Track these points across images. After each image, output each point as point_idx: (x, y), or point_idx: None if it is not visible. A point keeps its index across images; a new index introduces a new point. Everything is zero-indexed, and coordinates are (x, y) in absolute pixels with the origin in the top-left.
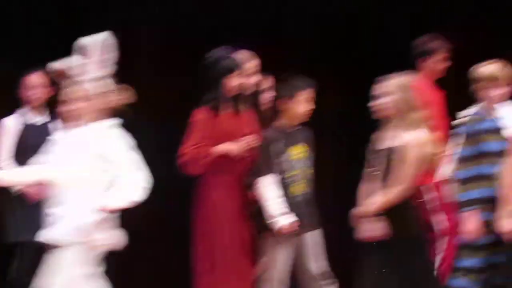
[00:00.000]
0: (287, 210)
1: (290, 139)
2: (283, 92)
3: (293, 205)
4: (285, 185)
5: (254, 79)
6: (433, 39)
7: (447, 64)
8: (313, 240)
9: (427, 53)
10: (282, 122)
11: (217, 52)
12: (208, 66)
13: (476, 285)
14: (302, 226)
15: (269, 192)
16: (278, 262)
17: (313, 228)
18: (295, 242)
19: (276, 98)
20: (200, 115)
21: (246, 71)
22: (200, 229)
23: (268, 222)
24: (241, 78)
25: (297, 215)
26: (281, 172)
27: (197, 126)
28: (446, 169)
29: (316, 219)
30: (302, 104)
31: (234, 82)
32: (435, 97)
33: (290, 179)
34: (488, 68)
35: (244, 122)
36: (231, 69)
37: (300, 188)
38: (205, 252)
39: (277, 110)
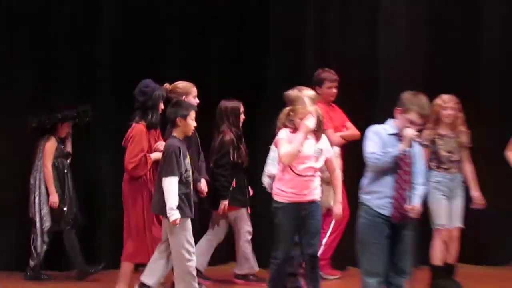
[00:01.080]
0: (177, 205)
1: (184, 147)
2: (180, 111)
3: (195, 198)
4: (187, 182)
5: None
6: (324, 71)
7: (335, 90)
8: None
9: (318, 82)
10: (178, 134)
11: (151, 83)
12: (145, 92)
13: None
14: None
15: (170, 189)
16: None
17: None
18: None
19: (175, 116)
20: (140, 130)
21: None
22: (133, 207)
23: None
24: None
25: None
26: (186, 171)
27: (140, 138)
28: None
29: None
30: (192, 121)
31: (162, 106)
32: (332, 114)
33: (189, 177)
34: (294, 92)
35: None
36: (163, 96)
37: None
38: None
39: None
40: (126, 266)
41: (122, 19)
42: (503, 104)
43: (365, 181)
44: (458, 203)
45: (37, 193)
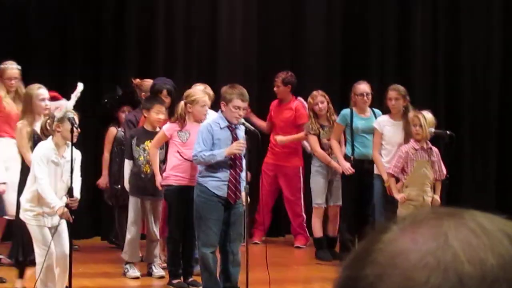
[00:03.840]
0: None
1: (146, 136)
2: (145, 105)
3: (145, 179)
4: (140, 165)
5: None
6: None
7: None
8: (156, 205)
9: None
10: (147, 125)
11: None
12: None
13: None
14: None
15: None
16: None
17: (156, 197)
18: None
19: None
20: None
21: None
22: None
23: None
24: None
25: (147, 187)
26: (138, 156)
27: None
28: None
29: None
30: (156, 114)
31: None
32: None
33: (143, 162)
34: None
35: None
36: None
37: (148, 168)
38: None
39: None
40: None
41: None
42: None
43: (203, 166)
44: (338, 184)
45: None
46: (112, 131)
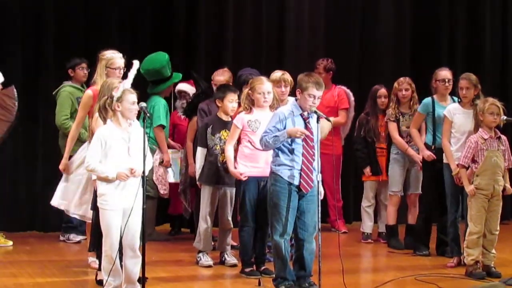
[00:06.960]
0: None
1: (221, 125)
2: (218, 94)
3: (221, 168)
4: (216, 154)
5: None
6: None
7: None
8: (231, 195)
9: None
10: (220, 113)
11: None
12: None
13: None
14: (223, 184)
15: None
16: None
17: (229, 186)
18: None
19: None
20: None
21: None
22: None
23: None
24: None
25: (222, 176)
26: (214, 145)
27: None
28: None
29: (232, 180)
30: (230, 103)
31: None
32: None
33: (219, 151)
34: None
35: None
36: None
37: (223, 157)
38: None
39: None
40: None
41: None
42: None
43: (275, 154)
44: (415, 173)
45: None
46: (195, 120)
